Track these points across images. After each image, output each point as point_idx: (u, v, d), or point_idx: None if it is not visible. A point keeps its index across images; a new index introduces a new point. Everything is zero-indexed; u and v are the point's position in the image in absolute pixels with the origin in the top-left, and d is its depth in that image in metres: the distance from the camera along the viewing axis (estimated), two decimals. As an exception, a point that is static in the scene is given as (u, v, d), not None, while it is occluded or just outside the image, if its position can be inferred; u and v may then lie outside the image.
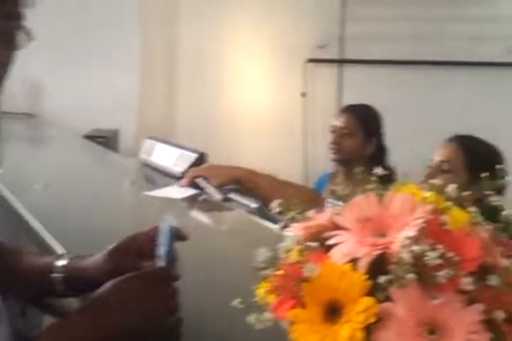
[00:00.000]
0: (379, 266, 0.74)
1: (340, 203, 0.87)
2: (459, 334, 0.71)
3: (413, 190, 0.85)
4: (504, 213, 0.80)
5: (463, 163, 2.11)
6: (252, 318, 0.78)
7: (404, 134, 3.97)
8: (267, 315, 0.77)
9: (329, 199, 0.94)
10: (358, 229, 0.79)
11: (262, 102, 4.44)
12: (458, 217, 0.80)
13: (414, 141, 3.96)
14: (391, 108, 3.99)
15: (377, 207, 0.81)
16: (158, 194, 2.01)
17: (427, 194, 0.81)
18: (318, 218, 0.84)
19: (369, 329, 0.71)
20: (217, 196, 1.98)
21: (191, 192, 2.04)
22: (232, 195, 2.05)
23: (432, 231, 0.76)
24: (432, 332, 0.72)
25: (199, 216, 1.99)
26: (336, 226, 0.81)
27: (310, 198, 1.98)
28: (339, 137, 2.87)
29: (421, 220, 0.75)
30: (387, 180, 2.62)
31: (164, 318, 0.93)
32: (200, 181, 2.05)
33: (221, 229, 1.85)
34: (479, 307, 0.72)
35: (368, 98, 3.83)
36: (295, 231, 0.83)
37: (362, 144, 2.85)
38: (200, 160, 2.33)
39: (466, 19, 3.92)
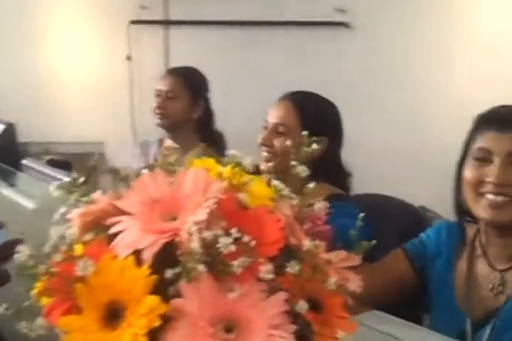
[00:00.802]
0: (167, 257, 0.64)
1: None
2: (260, 329, 0.62)
3: (209, 164, 0.74)
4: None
5: (298, 124, 2.02)
6: (22, 326, 0.65)
7: (235, 97, 3.90)
8: (40, 321, 0.65)
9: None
10: (144, 214, 0.67)
11: (85, 67, 4.19)
12: (258, 193, 0.71)
13: (247, 104, 3.91)
14: (220, 70, 3.93)
15: (166, 186, 0.69)
16: None
17: (224, 168, 0.71)
18: (101, 201, 0.72)
19: (156, 333, 0.61)
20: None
21: None
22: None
23: (227, 213, 0.66)
24: (229, 329, 0.62)
25: None
26: (120, 211, 0.69)
27: None
28: (164, 101, 2.72)
29: (213, 200, 0.65)
30: (216, 145, 2.49)
31: None
32: None
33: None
34: (282, 296, 0.63)
35: (195, 60, 3.71)
36: (74, 218, 0.70)
37: (188, 108, 2.71)
38: (9, 132, 2.11)
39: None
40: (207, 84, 2.79)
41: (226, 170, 0.70)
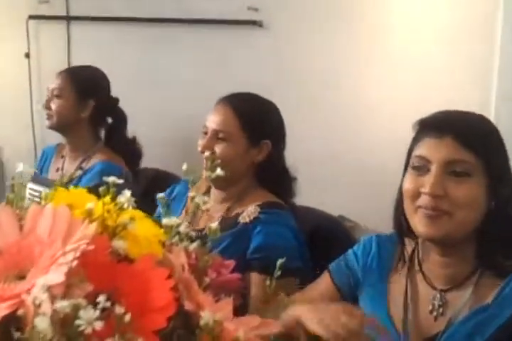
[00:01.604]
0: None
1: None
2: None
3: (78, 194, 0.56)
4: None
5: (238, 128, 1.89)
6: None
7: (140, 97, 3.69)
8: None
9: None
10: (-22, 271, 0.48)
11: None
12: (144, 237, 0.53)
13: (152, 105, 3.70)
14: (124, 68, 3.70)
15: (13, 229, 0.50)
16: None
17: (94, 202, 0.52)
18: None
19: None
20: None
21: None
22: None
23: (95, 269, 0.47)
24: None
25: None
26: None
27: None
28: (49, 100, 2.55)
29: (75, 252, 0.46)
30: (125, 151, 2.29)
31: None
32: None
33: None
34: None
35: (98, 58, 3.49)
36: None
37: (74, 107, 2.53)
38: None
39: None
40: (102, 83, 2.60)
41: (97, 207, 0.51)
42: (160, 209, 2.14)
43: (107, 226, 0.51)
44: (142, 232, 0.51)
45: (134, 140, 2.62)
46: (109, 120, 2.64)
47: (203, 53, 3.63)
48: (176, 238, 0.56)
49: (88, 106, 2.54)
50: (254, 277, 1.79)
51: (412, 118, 1.45)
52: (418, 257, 1.44)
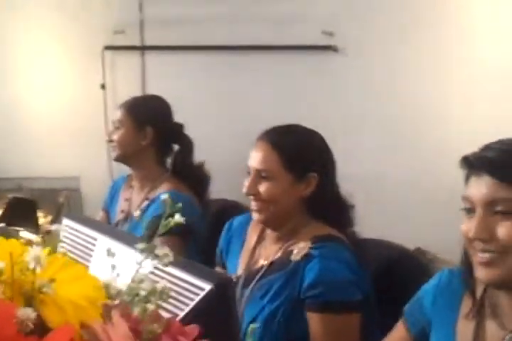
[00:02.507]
0: None
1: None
2: None
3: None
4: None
5: (280, 166, 1.78)
6: None
7: (216, 124, 3.65)
8: None
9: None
10: None
11: (58, 98, 3.90)
12: (71, 302, 0.41)
13: (228, 133, 3.65)
14: (200, 96, 3.67)
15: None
16: None
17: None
18: None
19: None
20: None
21: None
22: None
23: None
24: None
25: None
26: None
27: None
28: (111, 133, 2.55)
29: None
30: (192, 178, 2.22)
31: None
32: None
33: None
34: None
35: (173, 86, 3.46)
36: None
37: (133, 135, 2.49)
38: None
39: (274, 0, 3.64)
40: (160, 110, 2.56)
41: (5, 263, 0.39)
42: (221, 244, 2.05)
43: (19, 285, 0.39)
44: (73, 295, 0.40)
45: (201, 166, 2.54)
46: (175, 148, 2.57)
47: (277, 80, 3.57)
48: (130, 298, 0.44)
49: (147, 134, 2.49)
50: (311, 317, 1.66)
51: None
52: (490, 298, 1.30)
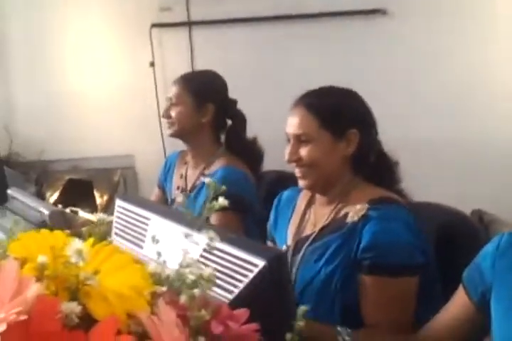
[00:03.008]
0: None
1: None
2: None
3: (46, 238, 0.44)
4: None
5: (317, 125, 1.76)
6: None
7: (266, 98, 3.62)
8: None
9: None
10: None
11: (109, 78, 3.94)
12: (116, 293, 0.40)
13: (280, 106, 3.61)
14: (249, 69, 3.65)
15: None
16: None
17: (43, 256, 0.40)
18: None
19: None
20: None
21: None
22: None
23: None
24: None
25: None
26: None
27: None
28: (168, 109, 2.50)
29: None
30: (247, 155, 2.22)
31: None
32: None
33: None
34: None
35: (221, 61, 3.44)
36: None
37: (193, 113, 2.45)
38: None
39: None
40: (218, 86, 2.52)
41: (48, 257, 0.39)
42: (270, 219, 2.05)
43: (64, 284, 0.38)
44: (118, 285, 0.39)
45: (254, 141, 2.52)
46: (229, 123, 2.55)
47: (325, 48, 3.52)
48: (178, 284, 0.43)
49: (208, 111, 2.47)
50: (365, 280, 1.63)
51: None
52: None
